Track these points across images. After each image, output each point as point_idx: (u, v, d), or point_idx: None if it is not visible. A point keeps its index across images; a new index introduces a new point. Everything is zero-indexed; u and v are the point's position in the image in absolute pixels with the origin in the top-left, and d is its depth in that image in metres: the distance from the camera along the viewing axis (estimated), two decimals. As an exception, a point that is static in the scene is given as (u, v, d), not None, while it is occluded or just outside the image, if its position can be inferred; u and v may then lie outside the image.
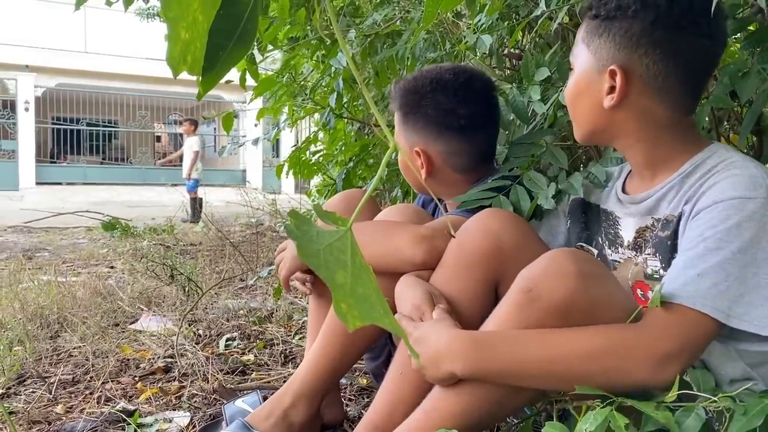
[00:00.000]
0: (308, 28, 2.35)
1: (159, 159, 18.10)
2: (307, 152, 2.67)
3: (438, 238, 1.08)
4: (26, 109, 14.50)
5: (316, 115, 3.00)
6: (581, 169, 1.78)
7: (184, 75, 0.56)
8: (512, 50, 2.04)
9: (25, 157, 14.61)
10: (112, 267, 4.39)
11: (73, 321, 2.27)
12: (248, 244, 5.62)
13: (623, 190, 1.09)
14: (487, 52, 1.48)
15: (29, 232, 7.42)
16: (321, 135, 2.61)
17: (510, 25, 1.90)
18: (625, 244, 1.06)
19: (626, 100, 0.96)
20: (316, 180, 3.93)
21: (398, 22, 2.03)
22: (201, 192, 9.03)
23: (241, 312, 2.48)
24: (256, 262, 3.41)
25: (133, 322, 2.38)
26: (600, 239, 1.11)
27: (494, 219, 1.03)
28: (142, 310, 2.51)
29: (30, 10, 12.92)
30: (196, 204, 8.73)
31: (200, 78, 0.57)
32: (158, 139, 18.75)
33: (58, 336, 2.17)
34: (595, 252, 1.12)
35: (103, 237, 6.45)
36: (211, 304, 2.71)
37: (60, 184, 14.85)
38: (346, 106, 2.16)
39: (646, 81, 0.95)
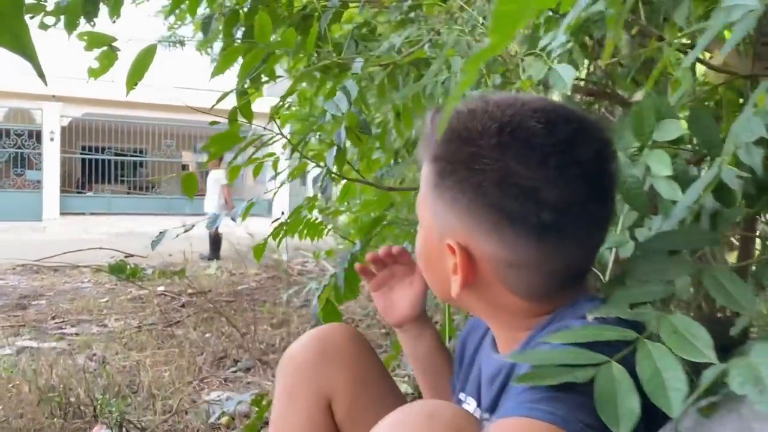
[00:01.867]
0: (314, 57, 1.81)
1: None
2: (313, 211, 2.13)
3: None
4: (51, 139, 14.36)
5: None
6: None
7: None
8: (582, 82, 1.48)
9: (50, 188, 14.46)
10: (104, 326, 3.87)
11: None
12: (262, 292, 5.11)
13: None
14: (569, 91, 0.90)
15: (36, 272, 7.02)
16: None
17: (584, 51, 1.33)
18: None
19: None
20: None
21: (425, 48, 1.47)
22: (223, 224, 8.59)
23: (222, 420, 1.92)
24: (253, 337, 2.84)
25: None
26: None
27: None
28: (96, 419, 1.95)
29: (56, 40, 12.76)
30: (217, 240, 8.33)
31: None
32: (184, 168, 18.50)
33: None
34: None
35: (109, 280, 5.98)
36: (192, 400, 2.16)
37: (84, 214, 14.64)
38: (353, 162, 1.61)
39: None
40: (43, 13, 1.56)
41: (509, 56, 1.29)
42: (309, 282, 4.61)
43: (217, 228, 8.35)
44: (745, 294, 0.66)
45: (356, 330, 0.95)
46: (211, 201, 8.67)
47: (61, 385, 2.13)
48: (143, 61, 1.27)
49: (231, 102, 1.79)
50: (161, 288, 5.15)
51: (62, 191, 14.78)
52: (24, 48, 0.32)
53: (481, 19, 1.25)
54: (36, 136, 14.46)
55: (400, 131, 1.67)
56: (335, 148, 1.30)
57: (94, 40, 1.23)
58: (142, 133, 15.78)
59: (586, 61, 1.58)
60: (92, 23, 1.56)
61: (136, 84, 1.27)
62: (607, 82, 1.57)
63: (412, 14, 1.64)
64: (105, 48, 1.24)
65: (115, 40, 1.25)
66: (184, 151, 17.64)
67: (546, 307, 0.71)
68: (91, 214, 14.73)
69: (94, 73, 1.28)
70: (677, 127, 0.82)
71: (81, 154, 15.87)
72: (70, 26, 1.59)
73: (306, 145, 1.48)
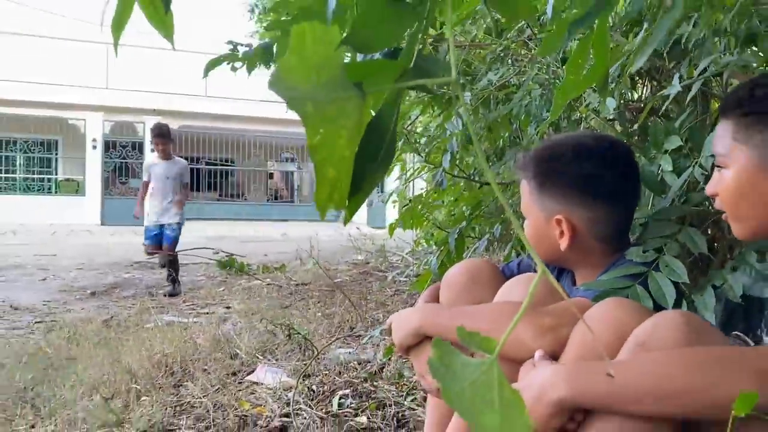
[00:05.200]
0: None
1: (271, 195, 18.88)
2: (419, 205, 2.69)
3: (564, 326, 1.03)
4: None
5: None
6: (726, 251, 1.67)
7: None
8: (631, 102, 1.97)
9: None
10: (228, 307, 4.57)
11: (194, 370, 2.37)
12: (356, 284, 5.72)
13: None
14: (613, 115, 1.42)
15: (152, 268, 7.89)
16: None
17: (633, 82, 1.83)
18: None
19: None
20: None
21: (511, 81, 2.01)
22: (307, 228, 8.91)
23: (352, 365, 2.50)
24: (365, 308, 3.43)
25: (250, 373, 2.46)
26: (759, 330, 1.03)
27: (620, 309, 0.98)
28: (258, 359, 2.58)
29: (157, 58, 13.94)
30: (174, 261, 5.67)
31: (346, 206, 0.56)
32: (271, 176, 19.57)
33: (181, 385, 2.27)
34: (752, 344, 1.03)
35: (220, 274, 6.75)
36: (323, 354, 2.76)
37: (180, 219, 15.78)
38: (458, 163, 2.15)
39: None
40: (235, 60, 2.19)
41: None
42: (396, 275, 5.20)
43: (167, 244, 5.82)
44: (701, 238, 1.17)
45: (495, 266, 1.46)
46: (155, 204, 5.81)
47: (225, 339, 2.78)
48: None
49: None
50: (267, 281, 5.84)
51: (160, 198, 15.99)
52: (161, 22, 0.52)
53: (554, 62, 1.78)
54: (138, 147, 15.76)
55: (491, 141, 2.21)
56: (449, 154, 1.86)
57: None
58: (232, 143, 16.88)
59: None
60: (268, 67, 2.18)
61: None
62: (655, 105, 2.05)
63: (502, 53, 2.18)
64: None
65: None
66: (269, 160, 18.70)
67: (611, 248, 1.23)
68: (186, 219, 15.87)
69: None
70: (677, 140, 1.33)
71: (177, 163, 17.11)
72: (250, 69, 2.21)
73: (429, 153, 2.05)
